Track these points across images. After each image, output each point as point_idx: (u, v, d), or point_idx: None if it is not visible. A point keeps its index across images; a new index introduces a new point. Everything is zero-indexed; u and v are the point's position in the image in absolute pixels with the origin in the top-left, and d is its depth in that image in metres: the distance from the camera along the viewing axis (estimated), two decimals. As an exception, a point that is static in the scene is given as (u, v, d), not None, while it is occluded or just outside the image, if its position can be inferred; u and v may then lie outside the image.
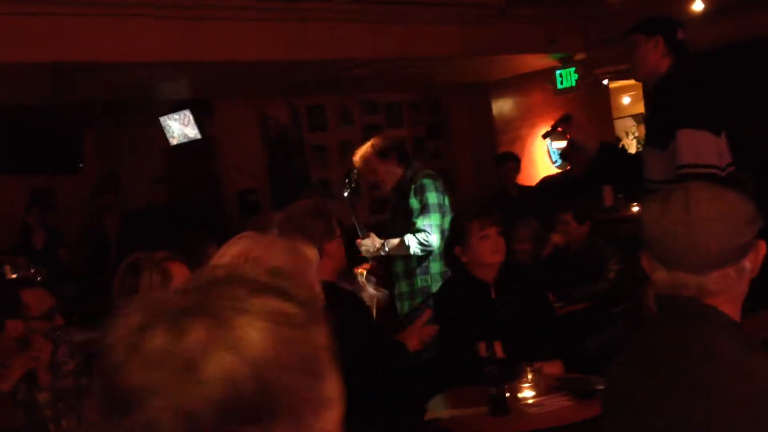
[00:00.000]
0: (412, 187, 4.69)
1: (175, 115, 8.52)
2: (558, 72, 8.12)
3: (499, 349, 3.26)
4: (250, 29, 5.96)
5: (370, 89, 8.89)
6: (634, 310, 5.27)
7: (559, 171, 8.38)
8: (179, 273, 2.81)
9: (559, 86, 8.15)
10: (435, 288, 4.39)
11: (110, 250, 7.78)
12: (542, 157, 9.03)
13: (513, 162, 7.42)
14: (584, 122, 4.29)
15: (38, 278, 7.62)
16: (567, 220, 5.54)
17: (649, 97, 3.83)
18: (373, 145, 4.90)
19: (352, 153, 5.17)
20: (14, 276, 7.57)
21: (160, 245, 4.99)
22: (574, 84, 8.01)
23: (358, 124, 9.26)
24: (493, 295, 3.70)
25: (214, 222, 7.62)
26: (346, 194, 5.11)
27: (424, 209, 4.60)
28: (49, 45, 5.14)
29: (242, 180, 8.41)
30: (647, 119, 3.88)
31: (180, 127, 8.58)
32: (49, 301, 3.21)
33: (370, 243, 4.73)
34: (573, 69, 8.01)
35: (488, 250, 3.61)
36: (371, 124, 9.37)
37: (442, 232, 4.57)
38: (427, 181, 4.69)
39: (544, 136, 4.51)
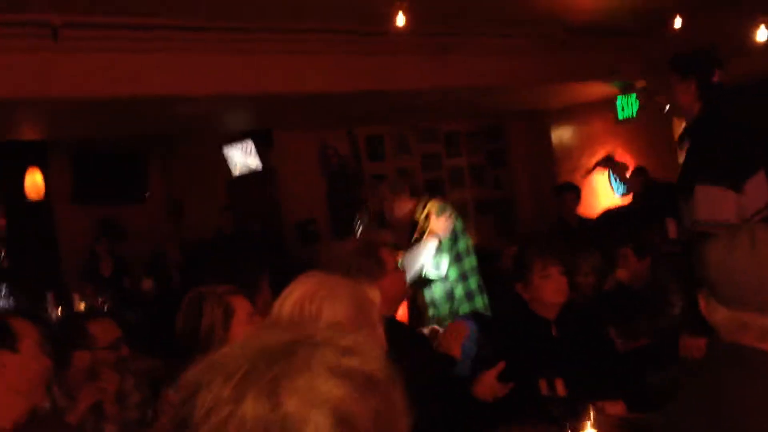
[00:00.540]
0: (422, 215, 4.89)
1: (238, 145, 8.69)
2: (619, 100, 8.03)
3: (560, 387, 3.22)
4: (312, 62, 6.05)
5: (428, 118, 8.94)
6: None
7: (622, 202, 8.26)
8: (241, 307, 2.85)
9: (620, 115, 8.06)
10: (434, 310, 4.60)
11: (172, 278, 7.94)
12: (604, 187, 8.91)
13: (573, 192, 7.33)
14: (624, 163, 4.23)
15: (105, 306, 7.85)
16: (627, 255, 5.43)
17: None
18: (386, 182, 5.30)
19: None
20: (82, 305, 7.81)
21: (215, 276, 5.10)
22: (635, 113, 7.92)
23: (416, 152, 9.30)
24: (554, 333, 3.65)
25: (274, 251, 7.71)
26: (357, 228, 5.46)
27: (433, 232, 4.80)
28: (117, 81, 5.30)
29: (302, 209, 8.50)
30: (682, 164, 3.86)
31: (242, 157, 8.74)
32: (114, 332, 3.26)
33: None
34: (634, 96, 7.92)
35: (550, 289, 3.57)
36: (429, 153, 9.40)
37: (452, 255, 4.81)
38: (434, 208, 4.89)
39: (583, 177, 4.58)
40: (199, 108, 6.50)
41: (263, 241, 8.09)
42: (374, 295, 1.73)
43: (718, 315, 1.68)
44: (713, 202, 3.49)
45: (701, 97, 3.67)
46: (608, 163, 4.52)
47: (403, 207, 4.99)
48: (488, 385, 3.20)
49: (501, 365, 3.19)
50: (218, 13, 5.31)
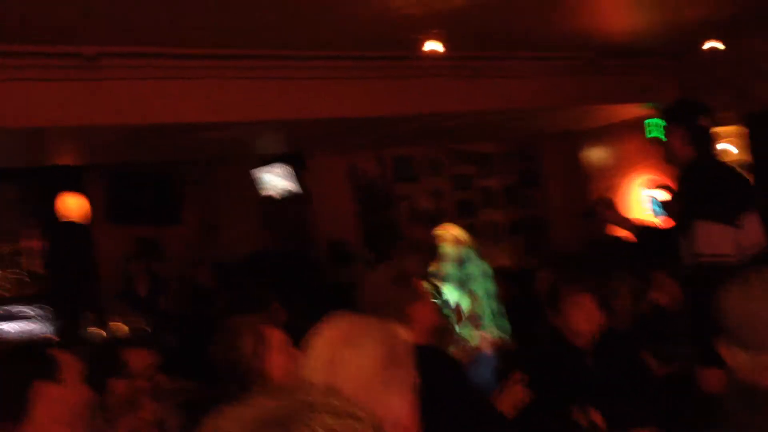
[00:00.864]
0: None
1: (270, 168, 8.78)
2: (647, 122, 7.96)
3: (594, 416, 3.20)
4: (344, 87, 6.11)
5: (460, 139, 8.95)
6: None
7: (657, 223, 8.17)
8: (274, 336, 2.88)
9: (648, 136, 7.99)
10: None
11: (205, 300, 8.00)
12: (637, 207, 8.83)
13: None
14: (618, 206, 4.48)
15: (141, 325, 7.94)
16: (662, 279, 5.38)
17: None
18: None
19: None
20: (120, 324, 7.91)
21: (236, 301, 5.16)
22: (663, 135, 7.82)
23: (447, 173, 9.32)
24: (589, 362, 3.61)
25: (307, 273, 7.75)
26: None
27: (440, 258, 5.32)
28: (153, 108, 5.41)
29: (334, 230, 8.55)
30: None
31: (274, 180, 8.83)
32: (150, 360, 3.29)
33: None
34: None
35: (580, 318, 3.54)
36: (461, 174, 9.40)
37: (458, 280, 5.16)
38: (447, 249, 5.42)
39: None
40: (232, 133, 6.59)
41: (295, 263, 8.14)
42: (405, 334, 1.74)
43: (739, 358, 1.72)
44: (714, 238, 3.76)
45: (692, 141, 3.95)
46: (600, 207, 4.62)
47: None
48: (509, 398, 3.18)
49: (517, 375, 3.18)
50: (250, 42, 5.39)
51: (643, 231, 4.92)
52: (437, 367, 3.10)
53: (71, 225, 8.86)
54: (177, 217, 9.86)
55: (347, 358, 1.60)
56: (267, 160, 8.74)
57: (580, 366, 3.58)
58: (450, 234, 5.39)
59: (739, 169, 4.26)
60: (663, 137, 7.69)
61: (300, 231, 8.78)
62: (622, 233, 7.56)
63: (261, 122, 6.13)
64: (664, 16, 6.04)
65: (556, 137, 9.53)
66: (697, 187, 3.97)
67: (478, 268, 5.28)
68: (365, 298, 3.15)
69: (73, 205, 8.73)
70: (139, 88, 5.28)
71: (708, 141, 4.04)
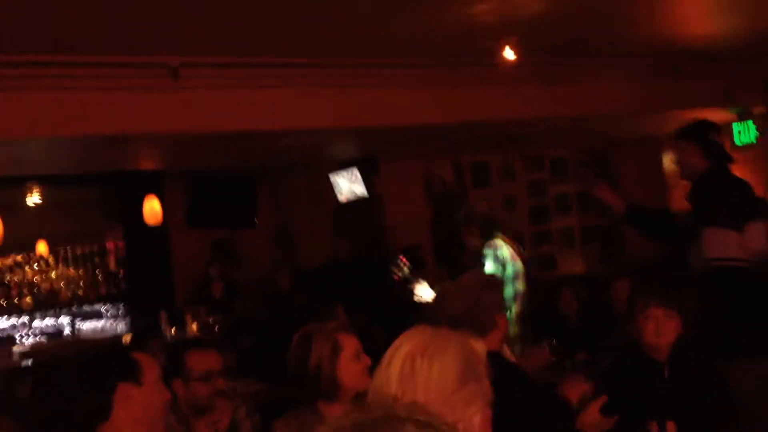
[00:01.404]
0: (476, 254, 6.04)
1: (344, 173, 8.84)
2: (735, 127, 7.75)
3: (672, 430, 3.13)
4: (417, 95, 6.12)
5: (535, 145, 8.86)
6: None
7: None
8: (349, 344, 2.91)
9: (737, 142, 7.77)
10: None
11: (283, 304, 8.11)
12: (718, 214, 8.59)
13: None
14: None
15: (216, 327, 8.10)
16: None
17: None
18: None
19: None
20: (194, 325, 8.08)
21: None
22: (753, 139, 7.61)
23: (521, 179, 9.23)
24: (666, 375, 3.54)
25: (380, 278, 7.78)
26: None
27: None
28: (232, 117, 5.52)
29: (407, 236, 8.56)
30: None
31: (348, 185, 8.89)
32: (212, 364, 3.22)
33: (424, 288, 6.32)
34: (751, 122, 7.62)
35: (650, 331, 3.47)
36: (535, 180, 9.31)
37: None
38: (487, 251, 5.99)
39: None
40: (309, 140, 6.68)
41: (368, 268, 8.18)
42: (480, 347, 1.74)
43: None
44: (723, 242, 4.15)
45: (706, 155, 4.39)
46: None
47: (473, 245, 6.22)
48: (593, 416, 3.14)
49: (604, 398, 3.14)
50: (328, 50, 5.45)
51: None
52: (507, 374, 3.09)
53: (150, 228, 9.09)
54: (252, 222, 10.02)
55: (427, 371, 1.61)
56: (341, 165, 8.80)
57: (656, 379, 3.50)
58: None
59: (746, 181, 4.66)
60: (755, 141, 7.60)
61: (373, 236, 8.82)
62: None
63: (338, 129, 6.19)
64: (747, 21, 5.87)
65: (634, 142, 9.34)
66: (707, 196, 4.34)
67: (513, 268, 5.82)
68: (451, 304, 3.14)
69: (153, 209, 8.96)
70: (220, 97, 5.40)
71: (721, 155, 4.45)
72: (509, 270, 6.01)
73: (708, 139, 4.43)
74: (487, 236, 6.09)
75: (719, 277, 4.22)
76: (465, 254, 7.19)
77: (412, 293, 6.93)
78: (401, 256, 6.15)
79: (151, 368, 2.48)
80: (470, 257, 6.20)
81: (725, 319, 4.20)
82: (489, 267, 5.91)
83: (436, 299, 4.63)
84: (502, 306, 3.22)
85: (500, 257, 5.99)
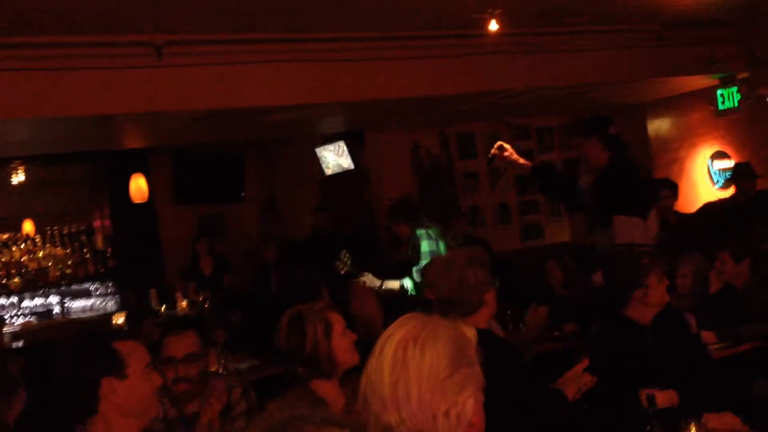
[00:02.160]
0: (411, 241, 6.08)
1: (330, 146, 8.83)
2: (719, 92, 7.78)
3: (660, 400, 3.18)
4: (404, 68, 6.09)
5: (521, 114, 8.86)
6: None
7: (721, 196, 8.01)
8: (337, 321, 2.95)
9: (720, 107, 7.81)
10: None
11: (270, 276, 8.14)
12: (703, 179, 8.66)
13: (668, 190, 7.08)
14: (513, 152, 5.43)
15: (206, 304, 8.12)
16: (724, 259, 5.25)
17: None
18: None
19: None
20: (184, 302, 8.10)
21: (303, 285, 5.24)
22: (736, 104, 7.65)
23: (508, 149, 9.23)
24: (649, 339, 3.60)
25: (367, 251, 7.80)
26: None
27: (419, 257, 5.97)
28: (218, 94, 5.48)
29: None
30: (593, 202, 5.05)
31: (334, 158, 8.88)
32: (188, 348, 3.22)
33: (369, 280, 5.99)
34: (735, 89, 7.65)
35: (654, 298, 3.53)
36: (521, 150, 9.29)
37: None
38: (419, 232, 6.03)
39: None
40: (295, 115, 6.65)
41: (355, 240, 8.19)
42: (471, 333, 1.74)
43: None
44: (628, 229, 4.61)
45: (606, 146, 4.85)
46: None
47: (402, 232, 6.24)
48: (573, 381, 3.18)
49: (585, 362, 3.19)
50: (313, 25, 5.42)
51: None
52: (497, 352, 3.13)
53: (137, 205, 9.07)
54: (239, 196, 10.02)
55: (419, 359, 1.62)
56: (328, 139, 8.79)
57: (641, 343, 3.56)
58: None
59: (640, 167, 5.32)
60: (737, 105, 7.72)
61: (359, 209, 8.84)
62: (686, 209, 7.50)
63: (324, 104, 6.18)
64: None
65: (619, 109, 9.36)
66: (615, 187, 4.79)
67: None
68: (439, 285, 3.16)
69: (139, 187, 8.93)
70: (205, 74, 5.37)
71: (620, 146, 4.91)
72: (442, 247, 6.09)
73: (607, 133, 4.85)
74: (414, 220, 6.20)
75: (620, 258, 4.58)
76: (401, 246, 7.19)
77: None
78: (344, 251, 6.21)
79: (136, 358, 2.46)
80: (406, 247, 6.32)
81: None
82: (425, 248, 6.03)
83: (423, 281, 4.70)
84: (489, 283, 3.20)
85: (432, 236, 6.07)
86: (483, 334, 3.01)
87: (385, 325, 1.73)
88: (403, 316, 1.74)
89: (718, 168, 8.48)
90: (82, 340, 2.69)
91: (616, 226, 4.66)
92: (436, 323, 1.70)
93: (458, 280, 3.11)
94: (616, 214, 4.67)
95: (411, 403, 1.59)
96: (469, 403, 1.62)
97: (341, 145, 8.65)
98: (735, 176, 7.34)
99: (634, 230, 4.65)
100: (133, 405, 2.42)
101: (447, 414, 1.60)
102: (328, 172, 9.05)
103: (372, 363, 1.66)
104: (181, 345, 3.19)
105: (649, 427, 2.94)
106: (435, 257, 5.03)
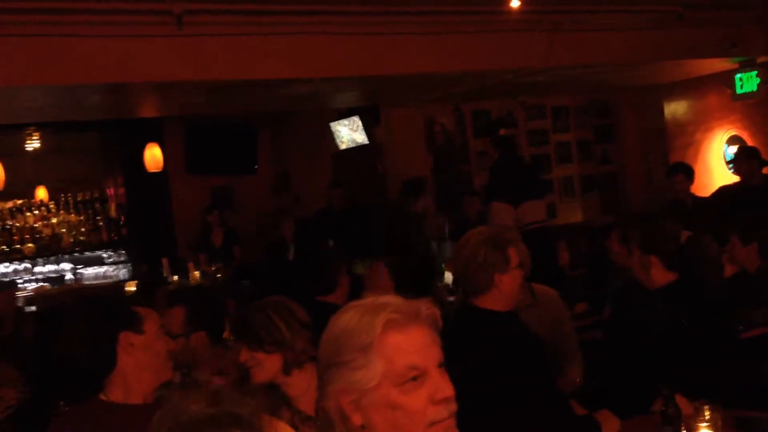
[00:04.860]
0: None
1: (345, 121, 8.80)
2: (738, 76, 7.71)
3: (680, 402, 3.17)
4: (421, 43, 6.05)
5: (537, 93, 8.81)
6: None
7: (737, 180, 7.96)
8: (298, 308, 2.84)
9: (738, 90, 7.74)
10: None
11: (287, 251, 8.15)
12: (718, 163, 8.61)
13: (682, 174, 7.05)
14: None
15: (218, 275, 8.15)
16: (734, 243, 5.22)
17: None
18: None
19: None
20: (196, 273, 8.13)
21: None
22: (755, 88, 7.59)
23: (523, 128, 9.20)
24: (659, 304, 3.61)
25: (380, 227, 7.79)
26: None
27: None
28: (236, 65, 5.47)
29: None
30: None
31: (349, 133, 8.86)
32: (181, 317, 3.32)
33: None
34: (755, 73, 7.58)
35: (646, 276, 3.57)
36: (536, 129, 9.29)
37: None
38: None
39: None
40: (310, 88, 6.63)
41: (368, 217, 8.18)
42: (433, 310, 1.60)
43: None
44: (501, 213, 5.74)
45: (496, 147, 6.46)
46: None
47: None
48: None
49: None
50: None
51: (722, 190, 5.29)
52: (516, 335, 3.11)
53: (151, 174, 9.09)
54: (252, 168, 10.01)
55: (324, 337, 1.56)
56: (342, 113, 8.76)
57: (651, 305, 3.56)
58: None
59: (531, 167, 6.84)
60: (756, 90, 7.75)
61: (373, 184, 8.82)
62: (703, 192, 7.46)
63: (340, 78, 6.15)
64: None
65: (635, 90, 9.30)
66: (497, 179, 6.19)
67: None
68: (454, 254, 3.13)
69: (153, 156, 8.94)
70: (223, 44, 5.35)
71: (508, 146, 6.33)
72: None
73: (496, 135, 6.24)
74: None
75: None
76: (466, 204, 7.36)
77: None
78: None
79: (151, 319, 2.55)
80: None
81: None
82: None
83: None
84: (503, 266, 3.05)
85: None
86: (488, 314, 3.01)
87: None
88: (383, 297, 1.61)
89: (733, 152, 8.42)
90: (98, 300, 2.75)
91: (492, 210, 5.90)
92: (361, 308, 1.56)
93: (467, 258, 3.05)
94: (494, 201, 5.92)
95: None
96: (330, 402, 1.52)
97: (356, 120, 8.62)
98: (739, 158, 7.32)
99: (504, 215, 5.75)
100: (150, 361, 2.49)
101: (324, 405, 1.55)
102: (342, 146, 9.03)
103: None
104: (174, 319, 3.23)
105: (664, 410, 2.94)
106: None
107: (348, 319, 1.54)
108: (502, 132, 6.05)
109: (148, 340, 2.49)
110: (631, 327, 3.83)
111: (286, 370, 2.71)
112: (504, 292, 3.07)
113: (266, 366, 2.70)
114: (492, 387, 2.84)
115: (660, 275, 3.59)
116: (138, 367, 2.46)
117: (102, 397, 2.45)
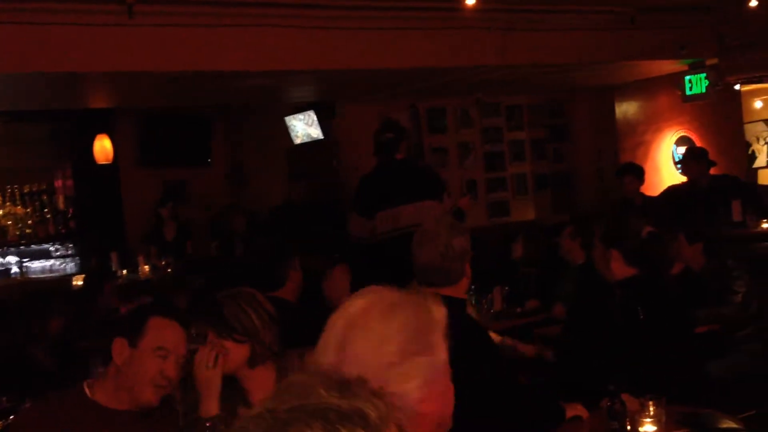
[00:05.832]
0: None
1: (300, 116, 8.75)
2: (687, 78, 7.85)
3: (627, 400, 3.22)
4: (377, 38, 6.05)
5: (492, 91, 8.87)
6: (762, 334, 5.08)
7: (685, 180, 8.12)
8: (266, 302, 2.79)
9: (687, 92, 7.89)
10: None
11: (235, 244, 8.09)
12: (667, 163, 8.77)
13: (631, 175, 7.21)
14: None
15: (168, 269, 8.05)
16: (681, 242, 5.34)
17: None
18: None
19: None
20: (146, 267, 8.02)
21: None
22: (704, 90, 7.73)
23: (477, 125, 9.26)
24: (617, 293, 3.69)
25: (335, 222, 7.78)
26: None
27: None
28: (188, 56, 5.41)
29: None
30: None
31: (304, 127, 8.81)
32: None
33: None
34: (704, 75, 7.73)
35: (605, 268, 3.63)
36: (490, 127, 9.35)
37: None
38: None
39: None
40: (264, 81, 6.58)
41: (322, 212, 8.17)
42: (440, 314, 1.52)
43: None
44: (357, 225, 5.60)
45: (377, 151, 5.78)
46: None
47: None
48: None
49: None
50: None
51: (671, 190, 5.29)
52: (473, 338, 3.11)
53: (100, 166, 8.93)
54: (205, 161, 9.90)
55: (362, 342, 1.46)
56: (297, 108, 8.71)
57: (607, 296, 3.66)
58: None
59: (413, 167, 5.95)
60: (705, 92, 7.84)
61: (327, 179, 8.79)
62: (651, 192, 7.60)
63: (294, 72, 6.11)
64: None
65: (588, 91, 9.42)
66: (357, 189, 5.81)
67: None
68: (418, 246, 3.06)
69: (103, 148, 8.78)
70: (175, 35, 5.28)
71: (388, 149, 5.69)
72: None
73: (381, 138, 5.71)
74: None
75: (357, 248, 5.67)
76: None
77: None
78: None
79: (155, 336, 2.48)
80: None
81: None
82: None
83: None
84: (470, 252, 3.10)
85: None
86: (459, 304, 3.01)
87: None
88: (366, 289, 1.56)
89: (682, 153, 8.59)
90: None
91: (350, 221, 5.72)
92: (393, 303, 1.50)
93: (444, 249, 3.01)
94: (353, 213, 5.76)
95: None
96: (415, 395, 1.44)
97: (311, 115, 8.58)
98: (687, 159, 7.47)
99: (360, 227, 5.57)
100: (131, 375, 2.45)
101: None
102: (297, 141, 8.98)
103: (320, 340, 1.50)
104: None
105: (610, 405, 2.98)
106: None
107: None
108: (387, 135, 5.63)
109: (139, 355, 2.45)
110: (589, 320, 3.89)
111: (252, 363, 2.65)
112: (469, 278, 3.12)
113: (232, 356, 2.62)
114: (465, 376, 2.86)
115: (620, 269, 3.66)
116: (122, 375, 2.46)
117: (87, 391, 2.48)
